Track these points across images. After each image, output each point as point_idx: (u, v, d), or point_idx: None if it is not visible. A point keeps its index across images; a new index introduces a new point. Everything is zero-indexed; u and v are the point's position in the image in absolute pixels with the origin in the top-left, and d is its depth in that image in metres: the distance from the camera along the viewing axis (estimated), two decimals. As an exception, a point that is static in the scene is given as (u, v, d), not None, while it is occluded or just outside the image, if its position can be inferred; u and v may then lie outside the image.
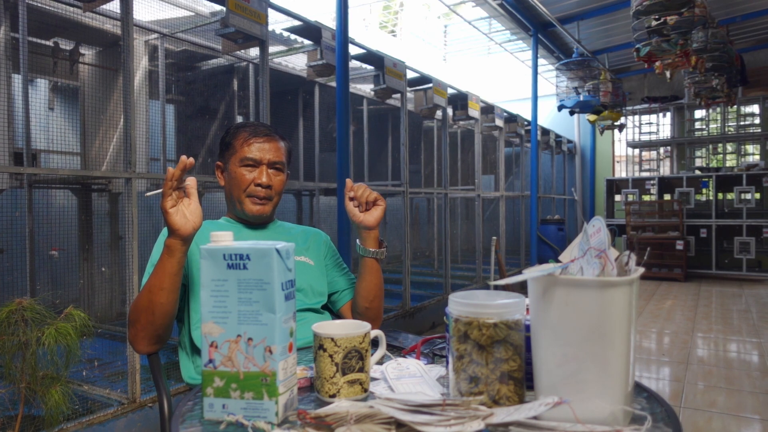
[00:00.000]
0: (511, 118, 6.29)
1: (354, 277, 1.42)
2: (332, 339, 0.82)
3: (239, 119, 4.10)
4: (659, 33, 4.09)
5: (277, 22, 3.60)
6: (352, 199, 1.24)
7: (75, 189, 3.18)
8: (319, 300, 1.32)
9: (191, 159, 1.00)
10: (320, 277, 1.35)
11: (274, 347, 0.75)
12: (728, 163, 8.00)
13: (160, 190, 1.03)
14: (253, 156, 1.28)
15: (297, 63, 4.17)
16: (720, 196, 7.44)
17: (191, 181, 1.04)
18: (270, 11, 2.85)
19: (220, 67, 3.88)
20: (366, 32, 9.52)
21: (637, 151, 8.73)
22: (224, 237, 0.82)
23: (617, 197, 8.09)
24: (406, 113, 4.21)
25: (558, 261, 0.80)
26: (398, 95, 4.12)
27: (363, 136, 4.90)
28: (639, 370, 3.25)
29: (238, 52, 3.44)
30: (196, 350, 1.19)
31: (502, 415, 0.68)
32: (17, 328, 1.78)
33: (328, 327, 0.87)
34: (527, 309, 0.77)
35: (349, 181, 1.25)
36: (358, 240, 1.27)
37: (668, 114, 8.39)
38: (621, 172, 9.27)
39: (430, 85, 4.49)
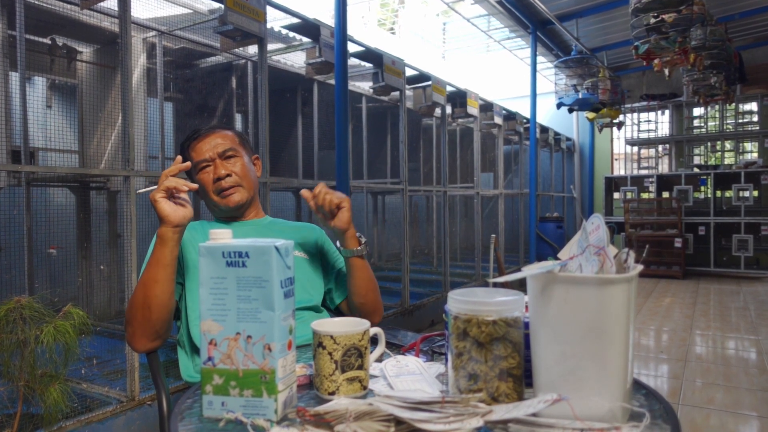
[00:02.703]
0: (510, 116, 6.29)
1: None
2: (331, 336, 0.81)
3: (238, 117, 4.09)
4: (658, 30, 4.09)
5: (275, 20, 3.59)
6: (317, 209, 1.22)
7: (73, 187, 3.17)
8: (317, 296, 1.32)
9: (188, 163, 1.08)
10: (316, 273, 1.35)
11: (273, 345, 0.75)
12: (726, 161, 8.00)
13: (153, 187, 1.06)
14: (203, 156, 1.30)
15: (296, 61, 4.16)
16: (718, 193, 7.45)
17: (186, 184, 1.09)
18: (268, 9, 2.84)
19: (218, 64, 3.87)
20: (365, 30, 9.51)
21: (635, 148, 8.74)
22: (223, 235, 0.81)
23: (616, 195, 8.09)
24: (405, 111, 4.20)
25: (557, 258, 0.80)
26: (397, 93, 4.12)
27: (362, 133, 4.90)
28: (637, 368, 3.25)
29: (236, 49, 3.43)
30: (195, 349, 1.19)
31: (501, 412, 0.68)
32: (16, 326, 1.77)
33: (327, 324, 0.87)
34: (526, 306, 0.77)
35: (305, 192, 1.21)
36: (338, 242, 1.28)
37: (667, 112, 8.39)
38: (620, 170, 9.27)
39: (429, 82, 4.48)
